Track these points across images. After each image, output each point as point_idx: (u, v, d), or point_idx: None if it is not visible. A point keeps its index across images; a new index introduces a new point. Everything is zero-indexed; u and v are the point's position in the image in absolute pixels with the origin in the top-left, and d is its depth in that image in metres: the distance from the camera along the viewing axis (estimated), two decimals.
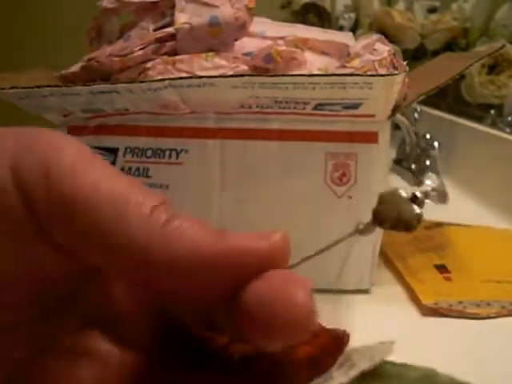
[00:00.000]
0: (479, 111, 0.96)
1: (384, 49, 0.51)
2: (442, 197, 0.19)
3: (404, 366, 0.21)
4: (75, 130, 0.50)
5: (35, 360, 0.18)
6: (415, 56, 1.09)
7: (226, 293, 0.17)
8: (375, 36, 0.53)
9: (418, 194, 0.19)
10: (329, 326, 0.22)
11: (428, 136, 0.94)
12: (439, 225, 0.69)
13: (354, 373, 0.19)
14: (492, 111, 0.96)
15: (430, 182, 0.19)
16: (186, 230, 0.17)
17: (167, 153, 0.50)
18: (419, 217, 0.19)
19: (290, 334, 0.17)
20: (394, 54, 0.51)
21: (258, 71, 0.50)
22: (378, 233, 0.53)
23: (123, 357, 0.19)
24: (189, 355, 0.20)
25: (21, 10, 1.91)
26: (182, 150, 0.50)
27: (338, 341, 0.21)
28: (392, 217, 0.19)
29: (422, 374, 0.20)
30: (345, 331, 0.22)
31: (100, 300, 0.19)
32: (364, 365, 0.20)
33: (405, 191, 0.20)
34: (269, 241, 0.18)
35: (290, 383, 0.19)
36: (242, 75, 0.47)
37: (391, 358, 0.21)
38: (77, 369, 0.19)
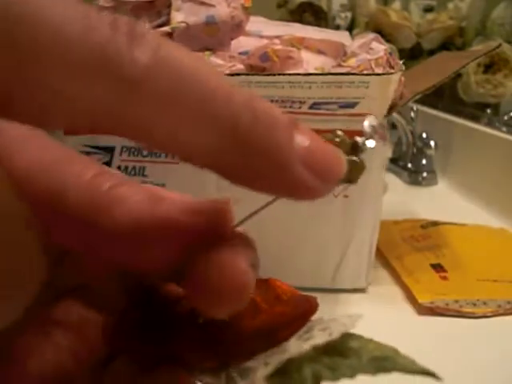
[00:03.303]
0: (475, 110, 0.96)
1: (380, 48, 0.51)
2: (382, 135, 0.19)
3: (369, 341, 0.21)
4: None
5: (13, 335, 0.18)
6: (411, 55, 1.09)
7: (173, 259, 0.18)
8: (371, 35, 0.53)
9: (359, 140, 0.19)
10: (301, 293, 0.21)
11: (424, 135, 0.94)
12: (435, 224, 0.69)
13: (306, 347, 0.19)
14: (488, 110, 0.96)
15: (368, 123, 0.19)
16: (128, 197, 0.18)
17: None
18: (361, 166, 0.19)
19: (228, 299, 0.17)
20: (391, 53, 0.51)
21: (254, 70, 0.50)
22: (375, 232, 0.53)
23: (97, 321, 0.20)
24: (156, 317, 0.20)
25: None
26: None
27: (303, 311, 0.20)
28: None
29: (383, 353, 0.20)
30: (315, 300, 0.21)
31: (71, 270, 0.20)
32: (320, 339, 0.20)
33: (342, 133, 0.19)
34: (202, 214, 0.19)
35: (240, 350, 0.19)
36: (238, 74, 0.47)
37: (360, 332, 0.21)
38: (53, 338, 0.19)
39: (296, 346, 0.19)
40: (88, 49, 0.14)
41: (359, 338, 0.21)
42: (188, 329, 0.19)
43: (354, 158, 0.19)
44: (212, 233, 0.18)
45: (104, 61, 0.14)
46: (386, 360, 0.20)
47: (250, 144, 0.16)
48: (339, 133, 0.19)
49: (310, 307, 0.21)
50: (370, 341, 0.21)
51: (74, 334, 0.19)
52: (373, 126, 0.19)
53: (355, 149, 0.19)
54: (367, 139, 0.19)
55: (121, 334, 0.19)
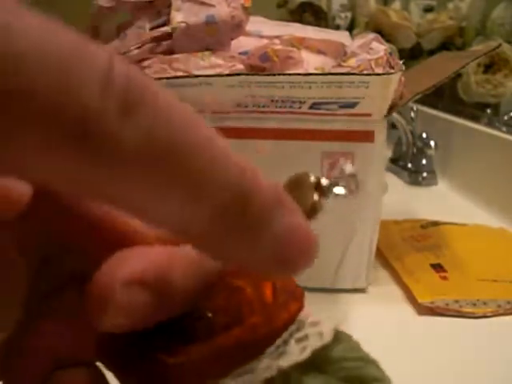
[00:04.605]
0: (475, 110, 0.96)
1: (380, 48, 0.51)
2: (353, 187, 0.17)
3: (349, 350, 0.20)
4: None
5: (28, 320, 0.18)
6: (411, 55, 1.09)
7: None
8: (371, 35, 0.53)
9: (324, 182, 0.18)
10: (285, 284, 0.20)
11: (424, 135, 0.94)
12: (435, 224, 0.69)
13: (273, 371, 0.18)
14: (488, 110, 0.96)
15: (346, 169, 0.18)
16: None
17: None
18: (315, 205, 0.18)
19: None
20: (391, 53, 0.51)
21: (254, 70, 0.50)
22: (375, 232, 0.53)
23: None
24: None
25: None
26: None
27: (278, 325, 0.19)
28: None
29: (359, 370, 0.19)
30: (297, 307, 0.19)
31: (81, 261, 0.19)
32: (293, 356, 0.19)
33: (314, 176, 0.18)
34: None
35: (210, 370, 0.18)
36: (238, 74, 0.47)
37: None
38: (57, 327, 0.19)
39: (264, 364, 0.18)
40: (62, 122, 0.11)
41: (339, 346, 0.20)
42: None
43: (315, 196, 0.18)
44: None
45: (80, 138, 0.12)
46: (357, 382, 0.19)
47: (234, 227, 0.15)
48: (310, 179, 0.18)
49: (286, 319, 0.19)
50: (352, 348, 0.20)
51: (77, 327, 0.19)
52: (344, 173, 0.19)
53: (318, 189, 0.18)
54: (333, 185, 0.18)
55: (112, 351, 0.19)
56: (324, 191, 0.18)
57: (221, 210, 0.14)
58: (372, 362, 0.19)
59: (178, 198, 0.14)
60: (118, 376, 0.19)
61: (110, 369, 0.19)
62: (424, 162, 0.94)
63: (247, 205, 0.15)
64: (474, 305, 0.50)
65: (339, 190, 0.18)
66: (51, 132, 0.11)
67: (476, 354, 0.44)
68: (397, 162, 0.97)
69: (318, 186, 0.18)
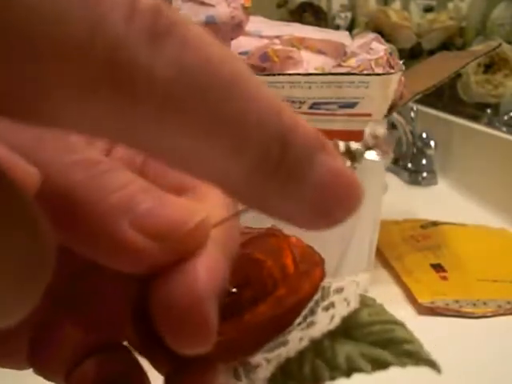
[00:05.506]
0: (475, 110, 0.96)
1: (380, 48, 0.51)
2: (385, 149, 0.16)
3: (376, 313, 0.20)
4: None
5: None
6: (411, 55, 1.09)
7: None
8: (371, 35, 0.53)
9: (353, 146, 0.17)
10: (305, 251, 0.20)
11: (424, 135, 0.94)
12: (435, 224, 0.69)
13: (304, 342, 0.18)
14: (488, 110, 0.96)
15: (377, 132, 0.17)
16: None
17: None
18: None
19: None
20: (391, 53, 0.51)
21: (254, 70, 0.50)
22: (375, 232, 0.53)
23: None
24: None
25: None
26: None
27: (302, 296, 0.19)
28: None
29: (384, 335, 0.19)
30: (318, 276, 0.19)
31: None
32: (322, 326, 0.18)
33: (343, 142, 0.17)
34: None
35: (244, 345, 0.18)
36: None
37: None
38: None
39: (296, 335, 0.18)
40: (92, 54, 0.11)
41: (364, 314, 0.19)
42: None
43: (347, 162, 0.17)
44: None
45: (110, 72, 0.11)
46: (388, 345, 0.19)
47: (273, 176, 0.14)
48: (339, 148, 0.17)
49: (310, 288, 0.19)
50: (378, 312, 0.19)
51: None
52: (375, 137, 0.17)
53: (348, 154, 0.17)
54: (365, 149, 0.17)
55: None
56: (355, 156, 0.17)
57: (261, 152, 0.13)
58: (399, 324, 0.19)
59: (218, 140, 0.13)
60: (147, 356, 0.19)
61: (141, 351, 0.19)
62: (424, 161, 0.94)
63: (287, 145, 0.14)
64: (474, 305, 0.50)
65: (371, 154, 0.17)
66: (84, 68, 0.11)
67: (476, 354, 0.44)
68: (397, 162, 0.97)
69: (347, 152, 0.17)
